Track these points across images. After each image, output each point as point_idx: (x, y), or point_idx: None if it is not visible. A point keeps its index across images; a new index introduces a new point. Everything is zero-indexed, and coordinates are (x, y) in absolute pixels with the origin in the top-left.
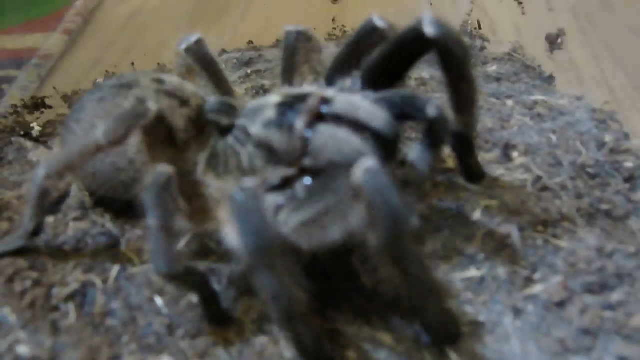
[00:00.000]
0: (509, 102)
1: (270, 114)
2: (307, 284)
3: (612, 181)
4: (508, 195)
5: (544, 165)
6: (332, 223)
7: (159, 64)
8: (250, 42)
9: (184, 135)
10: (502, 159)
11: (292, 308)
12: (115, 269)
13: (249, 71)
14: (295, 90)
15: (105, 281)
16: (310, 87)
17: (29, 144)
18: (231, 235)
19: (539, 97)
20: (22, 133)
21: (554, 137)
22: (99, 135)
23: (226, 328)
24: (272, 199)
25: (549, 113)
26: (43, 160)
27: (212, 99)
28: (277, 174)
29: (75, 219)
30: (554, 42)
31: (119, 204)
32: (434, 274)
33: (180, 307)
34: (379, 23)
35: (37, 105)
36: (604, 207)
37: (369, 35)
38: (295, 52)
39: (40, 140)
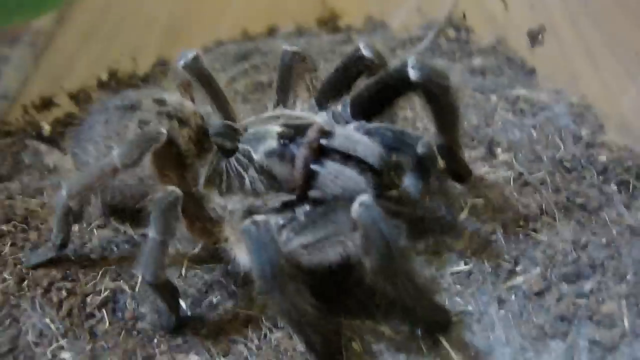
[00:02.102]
0: (493, 97)
1: (273, 144)
2: (313, 300)
3: (587, 174)
4: (492, 193)
5: (525, 161)
6: (331, 247)
7: (158, 57)
8: (245, 31)
9: (185, 153)
10: (486, 155)
11: (303, 320)
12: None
13: (246, 66)
14: (294, 118)
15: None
16: (308, 115)
17: (42, 146)
18: (244, 259)
19: (521, 91)
20: (34, 134)
21: (534, 133)
22: (115, 159)
23: (244, 325)
24: (274, 220)
25: (530, 108)
26: (64, 183)
27: (215, 122)
28: (278, 198)
29: (99, 227)
30: (535, 37)
31: (133, 212)
32: (423, 282)
33: (202, 309)
34: (366, 52)
35: (46, 104)
36: (579, 200)
37: (356, 63)
38: (291, 71)
39: (52, 141)
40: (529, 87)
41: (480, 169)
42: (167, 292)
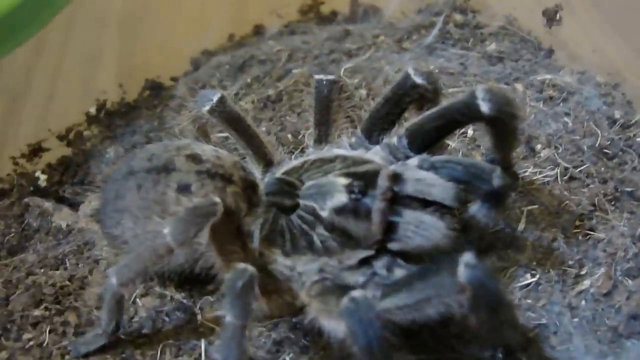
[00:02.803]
0: (519, 86)
1: (342, 199)
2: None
3: (627, 158)
4: (544, 196)
5: (567, 154)
6: (431, 307)
7: (147, 79)
8: (232, 35)
9: (237, 214)
10: (528, 154)
11: None
12: (202, 344)
13: (248, 80)
14: (355, 163)
15: (197, 359)
16: (366, 155)
17: (47, 204)
18: (333, 327)
19: (545, 76)
20: (31, 188)
21: (569, 121)
22: (169, 238)
23: None
24: (353, 278)
25: (559, 94)
26: (112, 270)
27: (268, 178)
28: (355, 256)
29: (142, 296)
30: (552, 17)
31: (175, 273)
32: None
33: None
34: (419, 79)
35: (36, 151)
36: (627, 188)
37: (408, 91)
38: (329, 102)
39: (53, 193)
40: (552, 70)
41: (526, 170)
42: None
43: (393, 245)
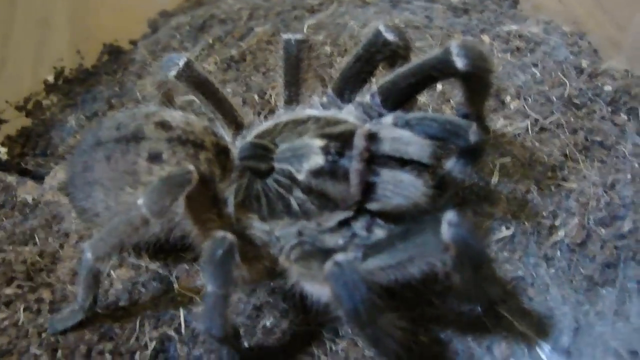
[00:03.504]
0: (485, 38)
1: (318, 160)
2: (397, 319)
3: (596, 107)
4: (516, 148)
5: (536, 105)
6: (413, 267)
7: (104, 44)
8: None
9: (212, 180)
10: (498, 106)
11: (393, 343)
12: (182, 314)
13: (210, 40)
14: (329, 123)
15: (178, 330)
16: (339, 114)
17: (10, 178)
18: (316, 291)
19: (511, 27)
20: None
21: (537, 72)
22: (143, 209)
23: (307, 343)
24: (332, 241)
25: (526, 45)
26: (87, 244)
27: (241, 143)
28: (333, 218)
29: (116, 267)
30: None
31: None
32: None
33: (259, 335)
34: (390, 36)
35: None
36: (597, 138)
37: (380, 48)
38: (299, 62)
39: (15, 167)
40: (517, 20)
41: (497, 123)
42: (235, 340)
43: (372, 206)
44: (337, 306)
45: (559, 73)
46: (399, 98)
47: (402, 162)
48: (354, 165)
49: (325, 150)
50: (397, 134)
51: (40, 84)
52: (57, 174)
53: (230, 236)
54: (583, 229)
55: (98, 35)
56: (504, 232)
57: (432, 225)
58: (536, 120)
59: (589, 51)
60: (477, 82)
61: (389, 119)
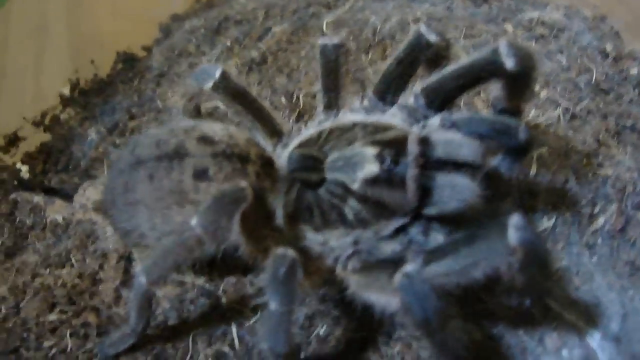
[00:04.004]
0: (508, 27)
1: (373, 169)
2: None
3: (623, 92)
4: (551, 138)
5: (565, 93)
6: (477, 270)
7: (117, 52)
8: None
9: (263, 194)
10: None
11: (458, 348)
12: (234, 329)
13: (227, 43)
14: (378, 129)
15: (232, 345)
16: (386, 119)
17: (37, 198)
18: (392, 306)
19: (532, 14)
20: (15, 182)
21: (563, 59)
22: (198, 229)
23: (362, 349)
24: (389, 248)
25: (549, 32)
26: (141, 268)
27: (292, 154)
28: (390, 225)
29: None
30: None
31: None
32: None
33: (313, 344)
34: (432, 38)
35: (12, 141)
36: (627, 122)
37: (421, 49)
38: (337, 67)
39: (39, 185)
40: (538, 7)
41: (529, 113)
42: (297, 354)
43: (429, 210)
44: (407, 316)
45: (585, 59)
46: (444, 99)
47: (455, 165)
48: (410, 171)
49: (380, 158)
50: (448, 137)
51: (56, 98)
52: (86, 192)
53: (291, 252)
54: (622, 214)
55: (110, 43)
56: (546, 224)
57: (494, 229)
58: (567, 109)
59: (612, 34)
60: (522, 81)
61: (435, 120)
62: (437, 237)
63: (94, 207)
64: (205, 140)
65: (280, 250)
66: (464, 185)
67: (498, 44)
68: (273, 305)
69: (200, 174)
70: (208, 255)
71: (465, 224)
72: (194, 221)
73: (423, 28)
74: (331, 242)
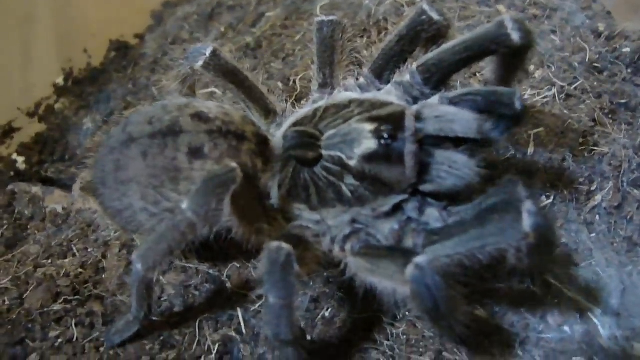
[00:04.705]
0: (501, 8)
1: (371, 145)
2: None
3: (617, 70)
4: (547, 117)
5: (560, 72)
6: (484, 255)
7: (110, 40)
8: None
9: (255, 174)
10: (523, 75)
11: (464, 331)
12: (240, 314)
13: (221, 29)
14: (374, 105)
15: (239, 330)
16: (382, 96)
17: (35, 189)
18: (401, 294)
19: None
20: (11, 174)
21: (557, 39)
22: (189, 213)
23: (368, 329)
24: (387, 226)
25: (542, 12)
26: (136, 255)
27: (287, 132)
28: (389, 202)
29: (165, 272)
30: None
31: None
32: None
33: (319, 327)
34: (434, 15)
35: (7, 132)
36: (621, 100)
37: (425, 27)
38: (333, 44)
39: (36, 176)
40: None
41: (525, 93)
42: (302, 339)
43: (426, 187)
44: (417, 305)
45: (578, 38)
46: (441, 76)
47: (454, 141)
48: (408, 147)
49: (377, 134)
50: (440, 112)
51: (50, 88)
52: (85, 180)
53: (285, 246)
54: (618, 191)
55: (102, 31)
56: (544, 202)
57: (505, 212)
58: (562, 88)
59: (603, 14)
60: (521, 57)
61: (435, 99)
62: (433, 214)
63: (82, 187)
64: (200, 117)
65: (274, 244)
66: (462, 162)
67: (503, 18)
68: (272, 299)
69: (195, 152)
70: (203, 237)
71: (461, 201)
72: (184, 205)
73: (426, 6)
74: (328, 221)
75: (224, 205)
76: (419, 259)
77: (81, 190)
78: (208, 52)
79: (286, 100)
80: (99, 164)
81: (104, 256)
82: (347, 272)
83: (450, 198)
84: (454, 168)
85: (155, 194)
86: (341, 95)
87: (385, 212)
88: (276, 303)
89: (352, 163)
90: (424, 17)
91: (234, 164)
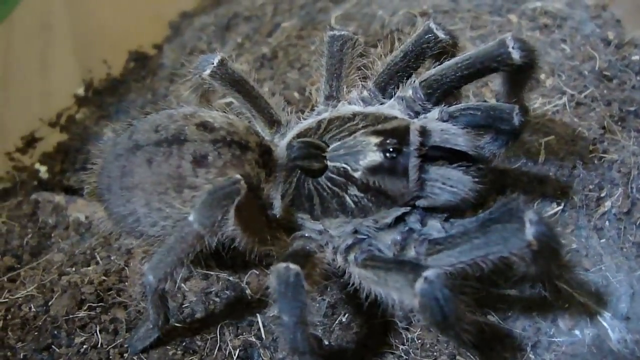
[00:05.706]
0: (512, 17)
1: (376, 158)
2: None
3: (626, 78)
4: (557, 126)
5: (570, 81)
6: (486, 263)
7: (129, 51)
8: None
9: (258, 184)
10: (533, 84)
11: (473, 338)
12: (259, 319)
13: (238, 40)
14: (379, 119)
15: (258, 336)
16: (385, 110)
17: (58, 198)
18: (409, 305)
19: (535, 3)
20: (35, 183)
21: (567, 48)
22: (195, 225)
23: (383, 333)
24: (389, 237)
25: (553, 22)
26: (147, 267)
27: (292, 142)
28: (391, 214)
29: (185, 279)
30: None
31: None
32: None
33: (336, 332)
34: (440, 34)
35: (29, 142)
36: (631, 107)
37: (430, 45)
38: (342, 58)
39: (58, 185)
40: None
41: (536, 102)
42: (319, 347)
43: (421, 202)
44: (425, 317)
45: (588, 47)
46: (443, 91)
47: (456, 156)
48: (412, 161)
49: (383, 147)
50: (443, 128)
51: (71, 98)
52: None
53: (293, 266)
54: (628, 198)
55: (121, 42)
56: (555, 208)
57: (507, 222)
58: (572, 96)
59: (613, 22)
60: (525, 74)
61: (434, 113)
62: (435, 225)
63: (87, 193)
64: (205, 126)
65: (282, 265)
66: (457, 178)
67: (505, 37)
68: (285, 317)
69: (200, 160)
70: (211, 246)
71: (461, 214)
72: (191, 217)
73: (432, 24)
74: (330, 231)
75: (230, 216)
76: (429, 273)
77: (87, 195)
78: (215, 61)
79: (302, 110)
80: (105, 170)
81: (126, 264)
82: (351, 282)
83: (449, 211)
84: (447, 184)
85: (159, 201)
86: (345, 108)
87: (388, 224)
88: (290, 320)
89: (357, 175)
90: (429, 35)
91: (237, 176)
